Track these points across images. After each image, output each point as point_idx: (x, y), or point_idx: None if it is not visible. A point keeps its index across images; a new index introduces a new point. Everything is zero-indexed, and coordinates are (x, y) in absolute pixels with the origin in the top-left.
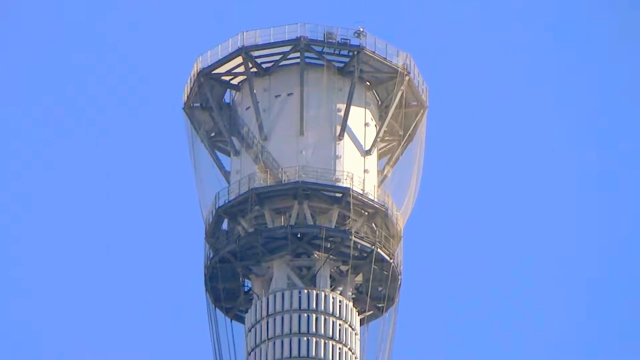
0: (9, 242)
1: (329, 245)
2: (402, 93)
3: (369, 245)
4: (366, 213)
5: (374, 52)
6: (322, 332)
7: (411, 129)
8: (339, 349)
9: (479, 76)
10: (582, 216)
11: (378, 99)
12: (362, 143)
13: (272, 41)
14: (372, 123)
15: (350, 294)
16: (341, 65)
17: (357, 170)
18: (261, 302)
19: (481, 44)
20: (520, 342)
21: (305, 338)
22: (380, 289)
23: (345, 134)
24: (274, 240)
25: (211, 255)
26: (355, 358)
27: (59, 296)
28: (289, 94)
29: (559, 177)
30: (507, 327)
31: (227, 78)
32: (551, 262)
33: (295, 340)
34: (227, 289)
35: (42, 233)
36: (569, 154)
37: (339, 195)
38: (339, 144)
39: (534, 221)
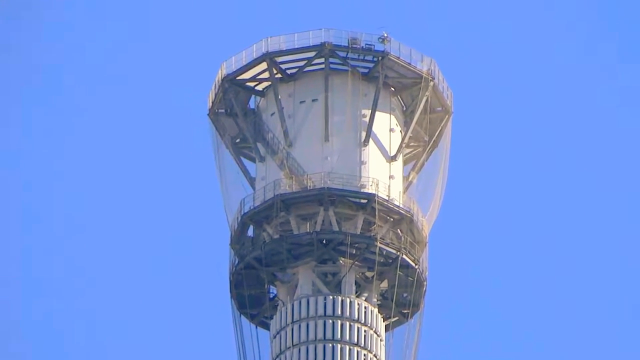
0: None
1: (354, 252)
2: (427, 98)
3: (394, 251)
4: (391, 219)
5: (398, 58)
6: (347, 338)
7: (436, 134)
8: (364, 355)
9: (504, 81)
10: (609, 219)
11: (403, 104)
12: (387, 149)
13: (296, 47)
14: (397, 129)
15: (375, 300)
16: (366, 70)
17: (383, 176)
18: (286, 308)
19: (505, 48)
20: (545, 347)
21: (330, 344)
22: (405, 295)
23: (370, 139)
24: (299, 247)
25: (236, 262)
26: None
27: (85, 300)
28: (313, 100)
29: (584, 180)
30: (533, 333)
31: (251, 84)
32: (578, 268)
33: (320, 346)
34: (252, 295)
35: (69, 240)
36: (594, 157)
37: (364, 201)
38: (364, 149)
39: (559, 226)
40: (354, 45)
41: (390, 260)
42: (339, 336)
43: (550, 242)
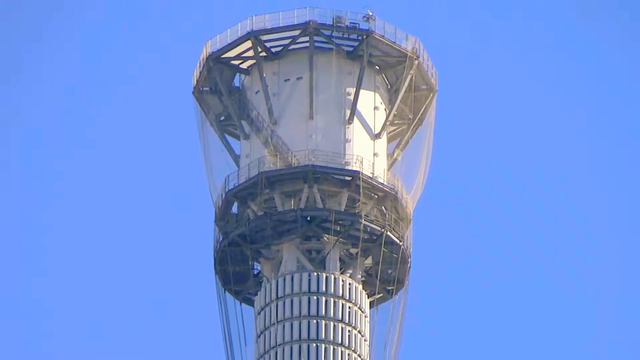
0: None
1: (338, 229)
2: (412, 77)
3: (378, 228)
4: (376, 196)
5: (383, 36)
6: (332, 314)
7: (421, 112)
8: (349, 331)
9: (488, 60)
10: (593, 197)
11: (387, 82)
12: (372, 127)
13: (281, 25)
14: (382, 107)
15: (359, 276)
16: (350, 49)
17: (367, 153)
18: (271, 285)
19: (490, 28)
20: (531, 324)
21: (314, 321)
22: (389, 271)
23: (355, 117)
24: (283, 224)
25: (221, 239)
26: (365, 340)
27: (70, 277)
28: (298, 78)
29: (569, 160)
30: (516, 308)
31: (236, 62)
32: (563, 241)
33: (304, 322)
34: (236, 272)
35: (52, 217)
36: (579, 137)
37: (349, 178)
38: (348, 127)
39: (544, 204)
40: (339, 24)
41: (375, 237)
42: (323, 313)
43: (535, 218)
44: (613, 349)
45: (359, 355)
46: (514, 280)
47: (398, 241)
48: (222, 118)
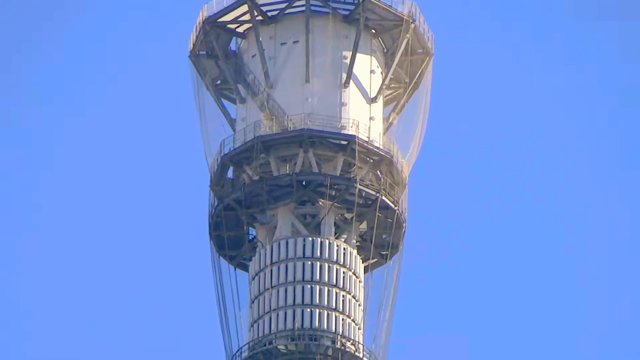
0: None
1: (333, 193)
2: (408, 40)
3: (373, 192)
4: (371, 160)
5: (379, 0)
6: (326, 279)
7: (417, 76)
8: (343, 296)
9: (485, 24)
10: (584, 177)
11: (384, 46)
12: (368, 90)
13: None
14: (378, 70)
15: (354, 241)
16: (346, 12)
17: (363, 117)
18: (265, 250)
19: None
20: (525, 283)
21: (309, 286)
22: (384, 236)
23: (351, 81)
24: (278, 188)
25: (216, 204)
26: (359, 305)
27: (65, 237)
28: (294, 42)
29: (567, 122)
30: (510, 270)
31: (232, 26)
32: (558, 207)
33: (299, 287)
34: (231, 237)
35: (49, 178)
36: (578, 102)
37: (345, 142)
38: (344, 91)
39: (540, 165)
40: None
41: (370, 202)
42: (317, 277)
43: (531, 179)
44: (610, 306)
45: (353, 320)
46: (510, 245)
47: (393, 206)
48: (218, 82)
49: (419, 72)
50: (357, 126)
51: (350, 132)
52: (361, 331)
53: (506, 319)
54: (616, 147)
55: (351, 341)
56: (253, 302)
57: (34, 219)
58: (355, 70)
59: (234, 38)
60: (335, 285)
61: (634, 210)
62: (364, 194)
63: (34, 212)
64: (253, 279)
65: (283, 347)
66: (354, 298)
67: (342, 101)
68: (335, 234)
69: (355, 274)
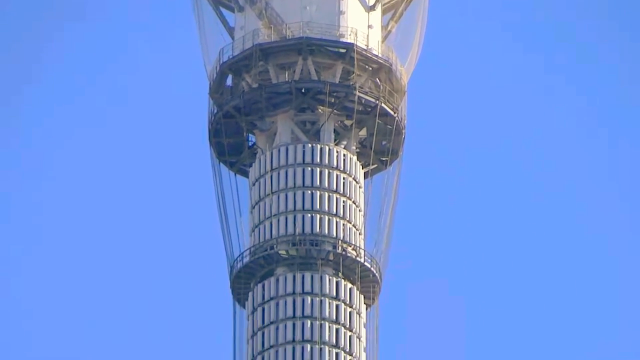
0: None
1: (333, 100)
2: None
3: (373, 99)
4: (370, 68)
5: None
6: (326, 185)
7: None
8: (343, 201)
9: None
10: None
11: None
12: None
13: None
14: None
15: (354, 147)
16: None
17: (361, 25)
18: (265, 156)
19: None
20: (521, 192)
21: (309, 191)
22: (384, 142)
23: None
24: (278, 95)
25: (215, 111)
26: (360, 211)
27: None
28: None
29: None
30: (508, 178)
31: None
32: (551, 120)
33: (299, 193)
34: (231, 143)
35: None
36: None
37: (343, 50)
38: None
39: (531, 73)
40: None
41: (369, 109)
42: (317, 183)
43: (526, 89)
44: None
45: (354, 226)
46: (506, 149)
47: (392, 112)
48: None
49: None
50: (356, 34)
51: (348, 40)
52: (362, 236)
53: (504, 223)
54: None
55: (352, 246)
56: (254, 207)
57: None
58: None
59: None
60: (336, 191)
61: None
62: (363, 101)
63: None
64: (253, 184)
65: (284, 252)
66: (354, 204)
67: (341, 9)
68: (335, 140)
69: (355, 180)
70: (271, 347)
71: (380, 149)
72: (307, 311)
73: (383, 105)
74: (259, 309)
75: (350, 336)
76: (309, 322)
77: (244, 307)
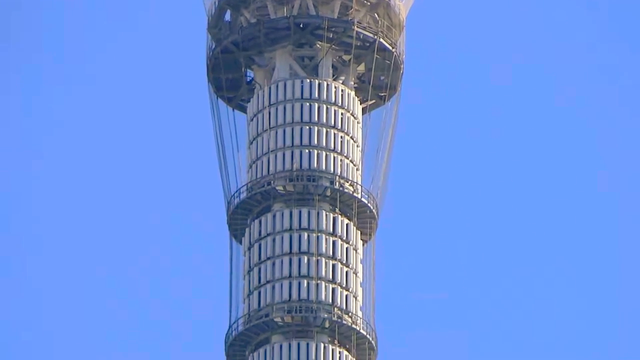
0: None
1: (331, 36)
2: None
3: (371, 34)
4: (368, 3)
5: None
6: (324, 120)
7: None
8: (341, 137)
9: None
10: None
11: None
12: None
13: None
14: None
15: (352, 83)
16: None
17: None
18: (263, 91)
19: None
20: (519, 126)
21: (307, 127)
22: (382, 77)
23: None
24: (276, 31)
25: (213, 46)
26: (357, 147)
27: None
28: None
29: None
30: (507, 111)
31: None
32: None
33: (297, 129)
34: (229, 79)
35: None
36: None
37: None
38: None
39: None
40: None
41: (367, 44)
42: (315, 119)
43: (522, 39)
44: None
45: (351, 161)
46: (507, 85)
47: (390, 48)
48: None
49: None
50: None
51: None
52: (359, 172)
53: (503, 157)
54: None
55: (349, 182)
56: (251, 143)
57: None
58: None
59: None
60: (334, 127)
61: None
62: (361, 37)
63: None
64: (251, 120)
65: (281, 187)
66: (352, 139)
67: None
68: (333, 75)
69: (353, 115)
70: (267, 282)
71: (378, 84)
72: (304, 247)
73: (381, 40)
74: (256, 245)
75: (346, 272)
76: (305, 257)
77: (241, 243)
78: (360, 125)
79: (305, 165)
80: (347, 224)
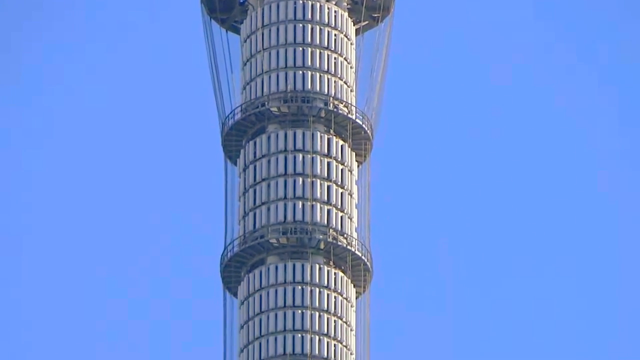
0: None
1: None
2: None
3: None
4: None
5: None
6: (317, 42)
7: None
8: (335, 58)
9: None
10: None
11: None
12: None
13: None
14: None
15: (345, 4)
16: None
17: None
18: (256, 12)
19: None
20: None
21: (300, 48)
22: None
23: None
24: None
25: None
26: (351, 68)
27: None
28: None
29: None
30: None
31: None
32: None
33: (290, 50)
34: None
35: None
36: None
37: None
38: None
39: None
40: None
41: None
42: (309, 40)
43: None
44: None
45: (345, 82)
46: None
47: None
48: None
49: None
50: None
51: None
52: (353, 93)
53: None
54: None
55: (344, 103)
56: (245, 64)
57: None
58: None
59: None
60: (327, 48)
61: None
62: None
63: None
64: (245, 41)
65: (275, 109)
66: (346, 60)
67: None
68: None
69: (346, 37)
70: (262, 204)
71: (371, 5)
72: (299, 168)
73: None
74: (251, 167)
75: (342, 193)
76: (300, 179)
77: (236, 164)
78: (353, 46)
79: (299, 86)
80: (341, 145)
